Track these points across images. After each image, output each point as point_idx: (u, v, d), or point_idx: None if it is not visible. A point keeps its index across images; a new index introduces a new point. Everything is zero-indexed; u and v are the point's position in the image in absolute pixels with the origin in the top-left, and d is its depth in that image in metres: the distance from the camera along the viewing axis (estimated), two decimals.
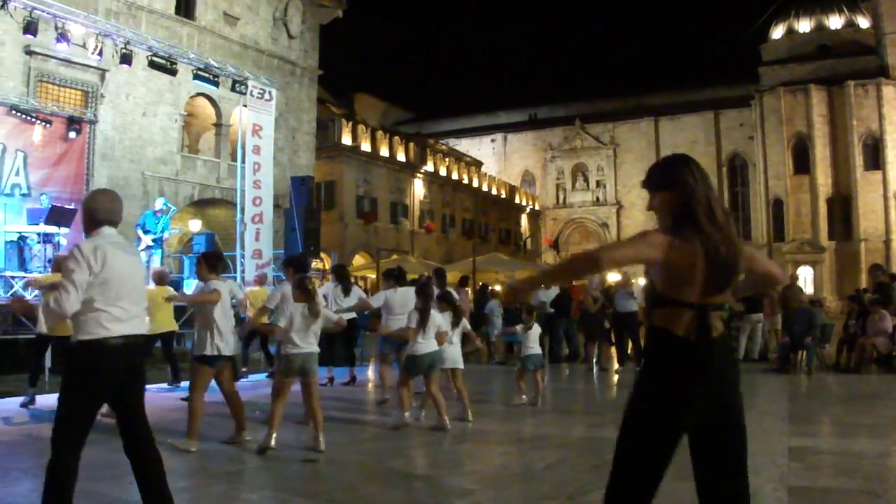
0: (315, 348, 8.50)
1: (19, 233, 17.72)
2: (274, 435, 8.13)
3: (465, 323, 11.42)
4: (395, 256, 43.69)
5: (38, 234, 17.73)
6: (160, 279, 13.90)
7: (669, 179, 3.75)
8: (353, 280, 16.16)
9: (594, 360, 18.18)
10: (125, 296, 5.26)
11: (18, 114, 19.99)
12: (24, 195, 19.65)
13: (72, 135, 20.95)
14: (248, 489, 6.94)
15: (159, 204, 19.30)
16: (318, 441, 8.21)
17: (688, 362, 3.58)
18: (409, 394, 10.37)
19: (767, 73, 72.28)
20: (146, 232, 18.77)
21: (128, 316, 5.25)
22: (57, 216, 17.97)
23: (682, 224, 3.62)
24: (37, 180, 20.04)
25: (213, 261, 9.30)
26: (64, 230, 18.13)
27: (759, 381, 15.98)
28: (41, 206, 18.59)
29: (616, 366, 18.36)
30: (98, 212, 5.43)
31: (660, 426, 3.64)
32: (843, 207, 67.52)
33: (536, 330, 12.71)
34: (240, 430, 8.80)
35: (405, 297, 11.87)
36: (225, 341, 8.62)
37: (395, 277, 12.90)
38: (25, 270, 17.26)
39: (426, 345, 10.14)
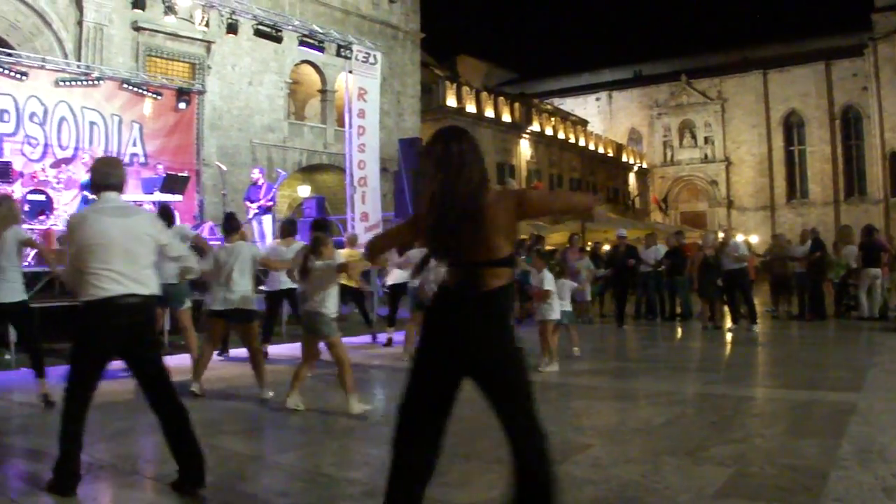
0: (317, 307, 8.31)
1: (135, 202, 18.12)
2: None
3: None
4: None
5: (154, 203, 18.14)
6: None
7: (423, 152, 4.21)
8: None
9: (707, 318, 17.92)
10: (115, 258, 5.42)
11: (130, 87, 20.47)
12: (142, 164, 20.21)
13: (181, 106, 21.36)
14: (367, 444, 7.00)
15: (255, 173, 19.60)
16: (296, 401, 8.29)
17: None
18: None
19: (881, 20, 69.58)
20: (251, 201, 19.06)
21: (123, 277, 5.42)
22: (171, 184, 18.34)
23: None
24: (152, 150, 20.58)
25: (227, 225, 10.09)
26: (178, 198, 18.50)
27: (880, 339, 15.62)
28: (155, 176, 19.06)
29: (729, 324, 18.10)
30: (94, 177, 5.77)
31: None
32: None
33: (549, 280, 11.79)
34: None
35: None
36: (220, 298, 9.23)
37: None
38: None
39: None
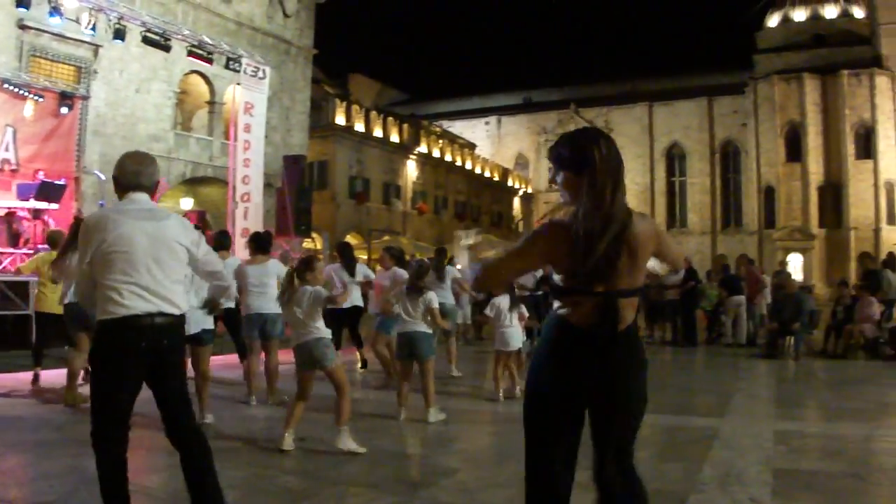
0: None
1: (8, 209, 17.68)
2: (287, 434, 7.41)
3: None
4: (386, 237, 43.79)
5: (29, 210, 17.70)
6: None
7: (577, 160, 3.50)
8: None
9: None
10: (140, 270, 4.60)
11: (10, 87, 19.91)
12: (13, 171, 19.61)
13: (63, 110, 20.89)
14: (233, 467, 6.89)
15: None
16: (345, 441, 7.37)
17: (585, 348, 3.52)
18: (406, 384, 9.42)
19: (762, 61, 72.53)
20: None
21: (148, 292, 4.62)
22: (47, 192, 17.93)
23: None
24: (26, 156, 19.95)
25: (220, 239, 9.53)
26: (53, 206, 18.10)
27: (747, 366, 16.10)
28: (30, 182, 18.58)
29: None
30: (122, 176, 4.85)
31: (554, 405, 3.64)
32: (833, 196, 67.94)
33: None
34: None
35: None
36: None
37: (396, 257, 12.85)
38: (14, 246, 17.24)
39: (409, 324, 9.42)
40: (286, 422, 7.47)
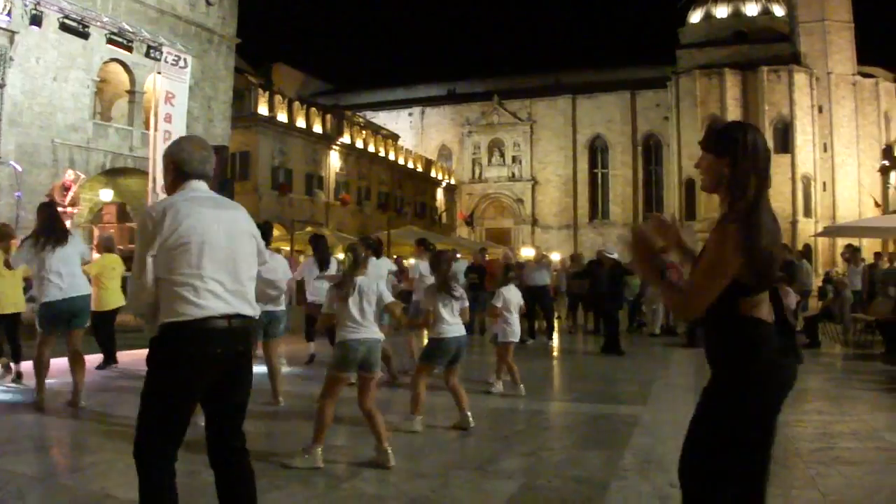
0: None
1: None
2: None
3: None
4: (309, 228, 43.47)
5: None
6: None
7: (723, 144, 3.42)
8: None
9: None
10: (217, 264, 4.04)
11: None
12: None
13: None
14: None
15: (70, 174, 18.71)
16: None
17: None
18: (424, 390, 8.45)
19: (684, 56, 73.80)
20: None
21: (225, 290, 4.04)
22: None
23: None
24: None
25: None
26: None
27: (667, 355, 16.30)
28: None
29: (529, 339, 18.53)
30: (187, 162, 4.31)
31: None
32: None
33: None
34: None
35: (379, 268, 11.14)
36: None
37: (373, 248, 11.60)
38: None
39: (455, 327, 8.38)
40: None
